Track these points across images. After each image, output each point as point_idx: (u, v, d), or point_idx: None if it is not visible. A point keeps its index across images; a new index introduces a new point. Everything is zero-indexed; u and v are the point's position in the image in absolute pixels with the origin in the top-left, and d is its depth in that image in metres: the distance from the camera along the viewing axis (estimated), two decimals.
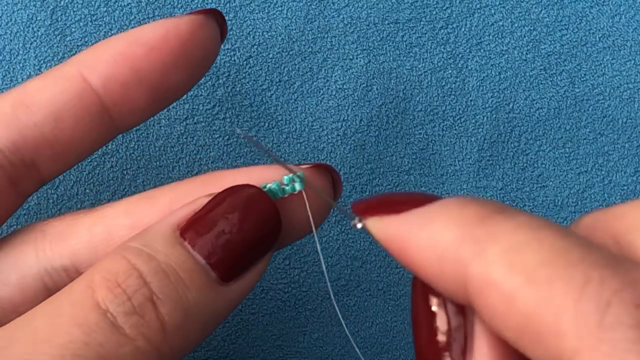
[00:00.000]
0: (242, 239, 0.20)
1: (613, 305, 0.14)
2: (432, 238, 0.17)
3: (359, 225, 0.19)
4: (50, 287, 0.22)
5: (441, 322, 0.17)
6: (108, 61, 0.21)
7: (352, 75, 0.32)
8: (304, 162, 0.23)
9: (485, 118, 0.32)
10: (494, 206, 0.17)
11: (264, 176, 0.21)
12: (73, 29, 0.30)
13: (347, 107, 0.32)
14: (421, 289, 0.18)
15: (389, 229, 0.18)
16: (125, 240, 0.20)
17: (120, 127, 0.23)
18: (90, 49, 0.22)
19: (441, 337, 0.17)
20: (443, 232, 0.16)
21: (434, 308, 0.18)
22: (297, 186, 0.21)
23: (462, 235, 0.16)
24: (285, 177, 0.21)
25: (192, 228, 0.20)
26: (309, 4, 0.32)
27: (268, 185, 0.21)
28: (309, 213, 0.21)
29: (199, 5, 0.31)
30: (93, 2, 0.30)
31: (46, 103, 0.21)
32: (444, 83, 0.32)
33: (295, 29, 0.32)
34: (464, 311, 0.17)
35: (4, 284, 0.22)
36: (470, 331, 0.17)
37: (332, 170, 0.22)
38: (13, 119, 0.21)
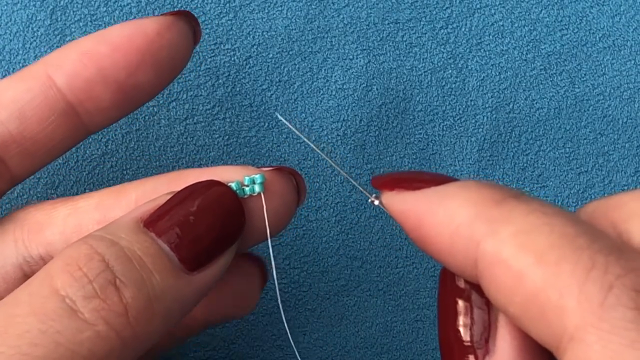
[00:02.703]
0: (205, 228, 0.20)
1: (615, 289, 0.15)
2: (447, 214, 0.18)
3: (376, 202, 0.19)
4: (29, 275, 0.22)
5: (466, 312, 0.18)
6: (73, 60, 0.22)
7: (352, 75, 0.32)
8: (267, 165, 0.23)
9: (485, 118, 0.32)
10: (510, 191, 0.18)
11: (226, 176, 0.21)
12: (73, 29, 0.30)
13: (347, 107, 0.32)
14: (449, 280, 0.19)
15: (405, 204, 0.19)
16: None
17: (89, 127, 0.23)
18: (58, 50, 0.22)
19: (465, 327, 0.18)
20: (459, 209, 0.18)
21: (460, 301, 0.18)
22: (257, 188, 0.21)
23: (477, 214, 0.17)
24: (247, 178, 0.21)
25: (155, 219, 0.20)
26: (309, 4, 0.32)
27: (229, 184, 0.21)
28: (266, 216, 0.21)
29: (198, 6, 0.31)
30: (93, 2, 0.30)
31: (11, 101, 0.22)
32: (444, 83, 0.32)
33: (295, 29, 0.32)
34: (488, 303, 0.18)
35: None
36: (494, 321, 0.18)
37: (295, 173, 0.22)
38: None
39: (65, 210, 0.22)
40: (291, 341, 0.22)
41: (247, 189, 0.21)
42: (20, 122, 0.22)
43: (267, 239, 0.22)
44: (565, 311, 0.15)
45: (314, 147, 0.22)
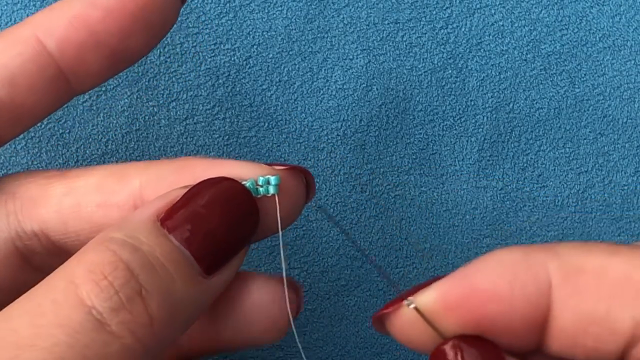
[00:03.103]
0: (224, 231, 0.20)
1: None
2: (499, 263, 0.18)
3: (412, 306, 0.18)
4: (22, 250, 0.22)
5: None
6: (64, 24, 0.21)
7: (352, 75, 0.32)
8: (278, 162, 0.23)
9: (485, 118, 0.32)
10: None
11: (237, 172, 0.21)
12: None
13: (347, 107, 0.32)
14: None
15: (443, 288, 0.18)
16: (105, 230, 0.20)
17: (77, 90, 0.22)
18: (46, 10, 0.22)
19: None
20: (507, 255, 0.18)
21: None
22: (271, 189, 0.21)
23: (527, 250, 0.18)
24: (261, 178, 0.21)
25: (172, 219, 0.19)
26: (309, 4, 0.32)
27: (243, 183, 0.21)
28: (278, 216, 0.21)
29: (198, 6, 0.31)
30: None
31: (0, 67, 0.21)
32: (444, 83, 0.32)
33: (295, 29, 0.32)
34: None
35: None
36: None
37: (306, 172, 0.22)
38: None
39: (62, 188, 0.22)
40: (298, 343, 0.22)
41: (261, 189, 0.21)
42: (11, 89, 0.21)
43: (270, 235, 0.22)
44: None
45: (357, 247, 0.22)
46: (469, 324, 0.18)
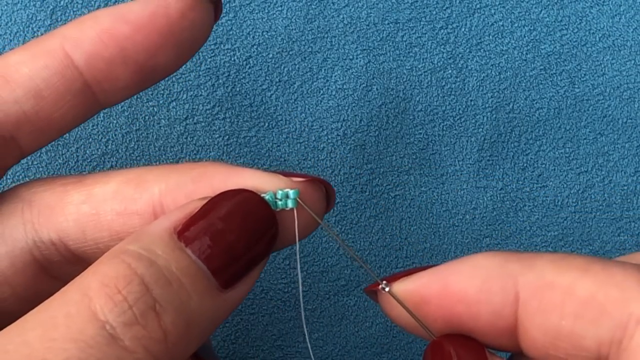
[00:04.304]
0: (242, 245, 0.19)
1: None
2: (474, 266, 0.19)
3: (387, 289, 0.20)
4: (39, 259, 0.21)
5: None
6: (93, 38, 0.21)
7: (352, 75, 0.32)
8: (298, 172, 0.22)
9: (485, 118, 0.32)
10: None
11: (255, 181, 0.20)
12: None
13: (347, 107, 0.32)
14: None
15: (422, 278, 0.20)
16: (121, 242, 0.19)
17: (103, 104, 0.22)
18: (75, 22, 0.21)
19: None
20: (484, 261, 0.19)
21: None
22: (290, 203, 0.20)
23: (505, 258, 0.19)
24: (280, 192, 0.20)
25: (190, 232, 0.19)
26: (309, 4, 0.32)
27: (262, 195, 0.20)
28: (296, 230, 0.21)
29: None
30: (93, 2, 0.30)
31: (27, 79, 0.21)
32: (444, 83, 0.32)
33: (295, 29, 0.32)
34: None
35: None
36: None
37: (326, 184, 0.22)
38: None
39: (79, 195, 0.21)
40: (309, 344, 0.22)
41: (279, 202, 0.20)
42: (36, 102, 0.21)
43: (287, 246, 0.21)
44: (629, 301, 0.17)
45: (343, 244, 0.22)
46: (441, 319, 0.19)
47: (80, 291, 0.18)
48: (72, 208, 0.21)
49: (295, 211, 0.21)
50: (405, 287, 0.20)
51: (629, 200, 0.33)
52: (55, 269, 0.22)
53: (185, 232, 0.19)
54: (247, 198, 0.20)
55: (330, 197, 0.22)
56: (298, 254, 0.21)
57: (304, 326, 0.22)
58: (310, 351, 0.22)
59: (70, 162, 0.30)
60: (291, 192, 0.20)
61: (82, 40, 0.21)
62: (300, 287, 0.22)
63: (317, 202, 0.21)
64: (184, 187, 0.21)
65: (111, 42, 0.21)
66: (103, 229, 0.21)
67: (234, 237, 0.19)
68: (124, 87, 0.22)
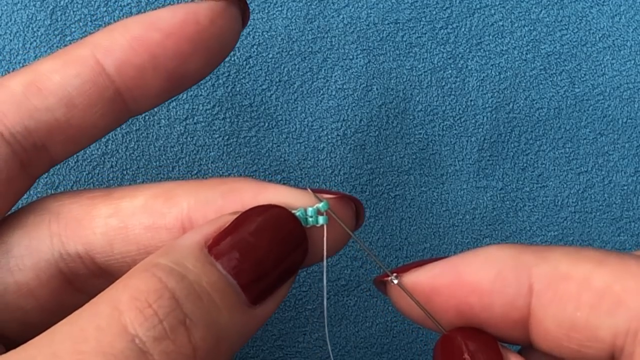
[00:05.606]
0: (272, 261, 0.19)
1: None
2: (488, 258, 0.19)
3: (395, 282, 0.20)
4: (65, 272, 0.21)
5: None
6: (123, 46, 0.21)
7: (352, 75, 0.32)
8: (328, 189, 0.22)
9: (485, 118, 0.32)
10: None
11: (285, 198, 0.20)
12: (73, 29, 0.30)
13: (347, 107, 0.32)
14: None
15: (434, 269, 0.20)
16: (152, 255, 0.19)
17: (133, 111, 0.22)
18: (106, 30, 0.21)
19: None
20: (498, 252, 0.19)
21: None
22: (321, 220, 0.20)
23: (519, 250, 0.19)
24: (310, 209, 0.20)
25: (220, 247, 0.19)
26: (309, 4, 0.32)
27: (293, 212, 0.20)
28: (325, 247, 0.21)
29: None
30: (93, 2, 0.30)
31: (59, 87, 0.21)
32: (444, 83, 0.32)
33: (295, 29, 0.32)
34: None
35: (19, 268, 0.21)
36: None
37: (356, 201, 0.22)
38: (24, 102, 0.20)
39: (107, 210, 0.21)
40: (328, 345, 0.22)
41: (310, 219, 0.20)
42: (67, 110, 0.21)
43: (316, 262, 0.21)
44: None
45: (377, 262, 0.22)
46: (452, 310, 0.19)
47: (110, 304, 0.18)
48: (100, 221, 0.21)
49: (325, 227, 0.20)
50: (417, 278, 0.20)
51: (629, 200, 0.33)
52: (80, 282, 0.22)
53: (216, 246, 0.19)
54: (278, 214, 0.20)
55: (359, 214, 0.22)
56: (325, 270, 0.21)
57: (327, 338, 0.22)
58: (330, 353, 0.22)
59: (70, 162, 0.30)
60: (321, 205, 0.20)
61: (113, 48, 0.21)
62: (325, 302, 0.22)
63: (347, 218, 0.21)
64: (214, 203, 0.21)
65: (142, 49, 0.21)
66: (131, 243, 0.21)
67: (263, 252, 0.19)
68: (155, 94, 0.22)
